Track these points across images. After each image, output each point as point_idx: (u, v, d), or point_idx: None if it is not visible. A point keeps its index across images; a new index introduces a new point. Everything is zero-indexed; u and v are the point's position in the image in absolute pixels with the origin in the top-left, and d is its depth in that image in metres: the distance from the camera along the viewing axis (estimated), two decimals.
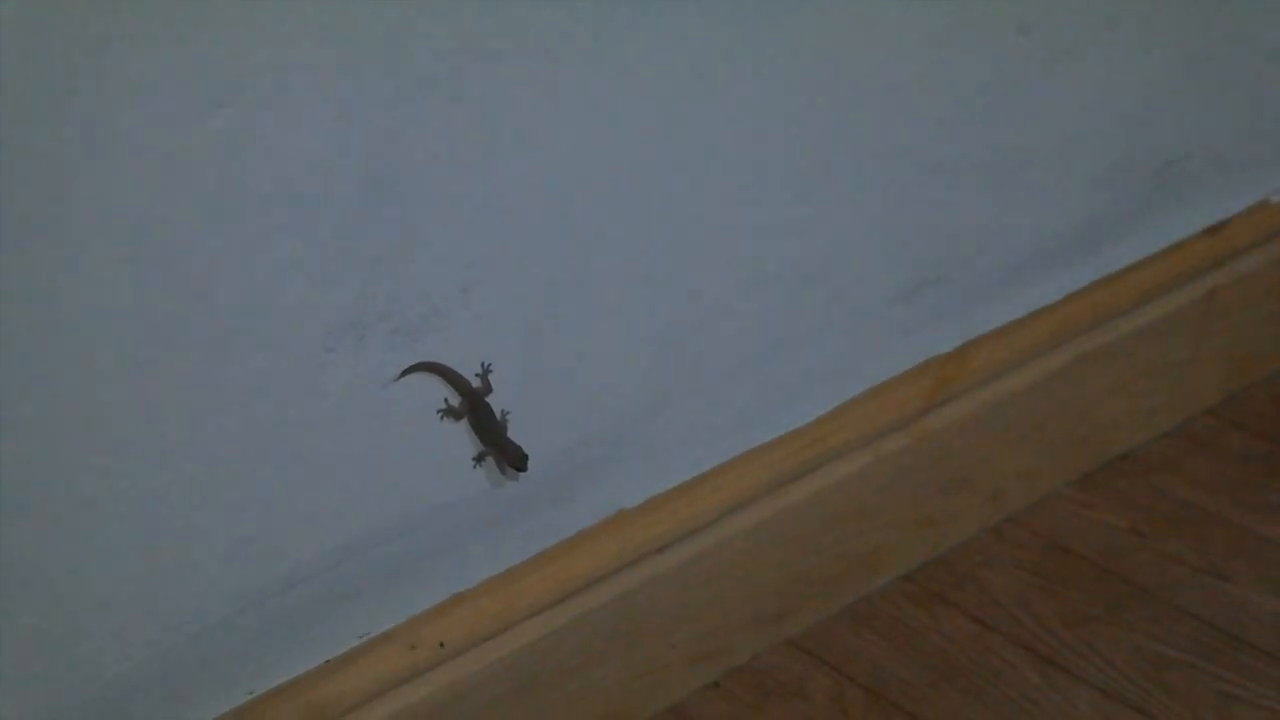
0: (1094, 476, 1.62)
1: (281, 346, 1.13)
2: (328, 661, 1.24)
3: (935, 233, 1.46)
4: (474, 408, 1.22)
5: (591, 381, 1.31)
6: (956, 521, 1.55)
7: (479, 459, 1.24)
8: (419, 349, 1.20)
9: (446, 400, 1.22)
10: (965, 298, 1.50)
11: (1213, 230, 1.65)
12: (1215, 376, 1.70)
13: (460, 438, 1.24)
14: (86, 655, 1.13)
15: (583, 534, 1.35)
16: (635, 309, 1.30)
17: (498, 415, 1.23)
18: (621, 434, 1.34)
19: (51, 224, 1.02)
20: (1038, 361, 1.55)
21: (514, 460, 1.22)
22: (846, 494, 1.46)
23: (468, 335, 1.22)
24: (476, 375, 1.22)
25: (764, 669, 1.45)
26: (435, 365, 1.20)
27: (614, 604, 1.35)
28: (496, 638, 1.30)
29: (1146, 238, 1.61)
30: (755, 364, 1.40)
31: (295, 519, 1.19)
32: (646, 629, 1.38)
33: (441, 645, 1.28)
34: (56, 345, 1.04)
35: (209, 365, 1.11)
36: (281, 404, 1.15)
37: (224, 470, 1.14)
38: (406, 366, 1.19)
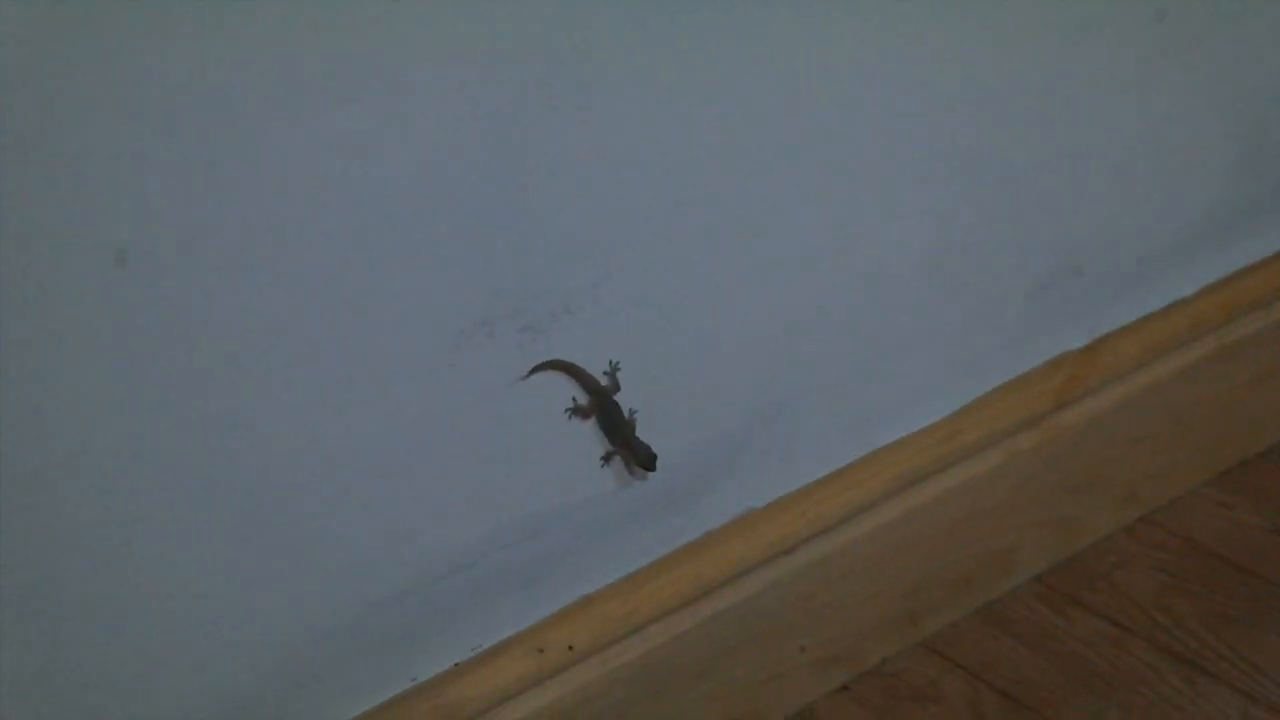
0: (1232, 474, 1.59)
1: (411, 344, 1.12)
2: (456, 665, 1.23)
3: (1066, 225, 1.43)
4: (602, 406, 1.20)
5: (719, 380, 1.29)
6: (1090, 521, 1.52)
7: (607, 458, 1.22)
8: (548, 346, 1.18)
9: (574, 399, 1.20)
10: (1097, 291, 1.47)
11: None
12: None
13: (587, 437, 1.23)
14: (217, 659, 1.12)
15: (710, 535, 1.33)
16: (762, 307, 1.29)
17: (626, 414, 1.21)
18: (749, 433, 1.32)
19: (189, 217, 1.01)
20: (1172, 356, 1.52)
21: (642, 460, 1.20)
22: (977, 493, 1.43)
23: (596, 333, 1.20)
24: (605, 373, 1.21)
25: (895, 672, 1.42)
26: (563, 363, 1.19)
27: (742, 606, 1.33)
28: (624, 640, 1.29)
29: None
30: (883, 361, 1.37)
31: (422, 521, 1.18)
32: (775, 631, 1.36)
33: (570, 648, 1.26)
34: (197, 341, 1.03)
35: (340, 363, 1.10)
36: (409, 402, 1.14)
37: (351, 472, 1.13)
38: (535, 364, 1.17)
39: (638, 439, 1.21)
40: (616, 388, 1.21)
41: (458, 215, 1.10)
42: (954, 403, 1.43)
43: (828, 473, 1.38)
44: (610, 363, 1.21)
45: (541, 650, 1.25)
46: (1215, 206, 1.52)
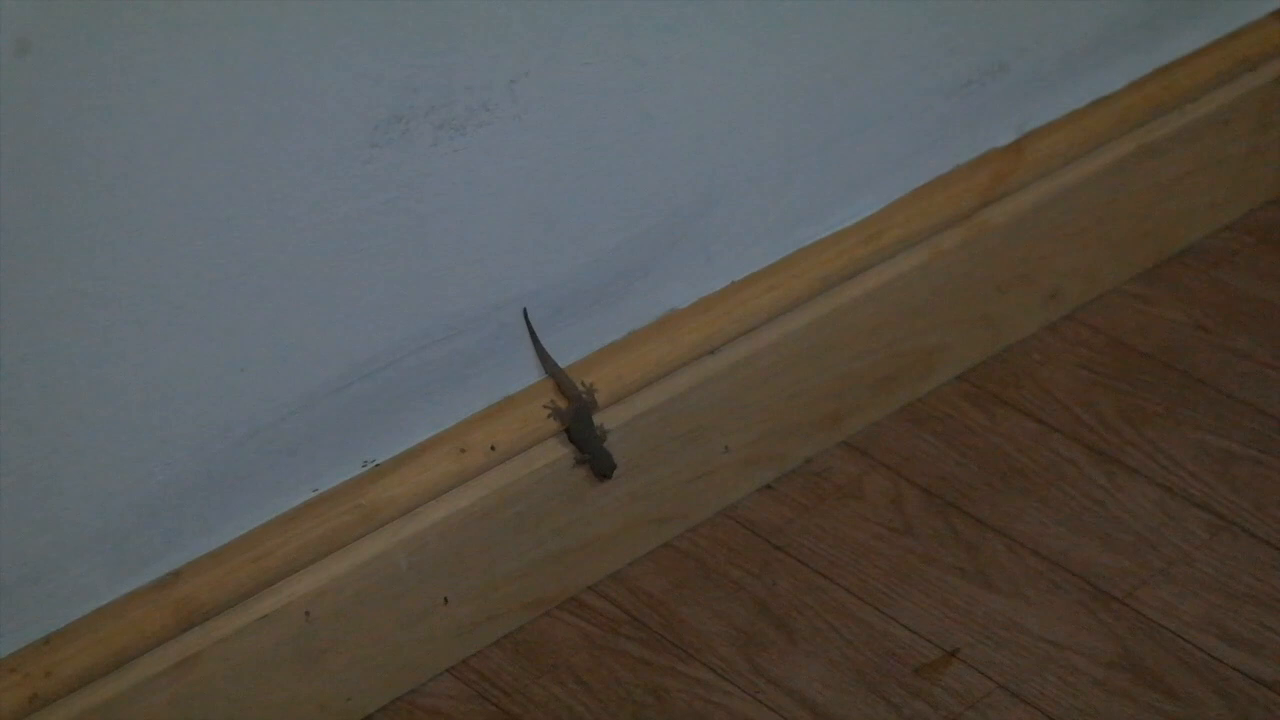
0: (1156, 272, 1.59)
1: (326, 141, 1.10)
2: (378, 466, 1.22)
3: (992, 22, 1.42)
4: (577, 415, 1.27)
5: (640, 180, 1.28)
6: (1014, 319, 1.52)
7: (578, 463, 1.29)
8: (466, 144, 1.16)
9: (554, 401, 1.27)
10: (1023, 89, 1.46)
11: None
12: (1278, 167, 1.65)
13: (507, 233, 1.21)
14: (134, 461, 1.11)
15: (633, 335, 1.32)
16: (685, 106, 1.27)
17: (596, 427, 1.28)
18: (671, 234, 1.31)
19: (94, 6, 0.98)
20: (1098, 153, 1.51)
21: (600, 468, 1.28)
22: (901, 292, 1.43)
23: (515, 131, 1.19)
24: (583, 386, 1.28)
25: (819, 471, 1.43)
26: (555, 369, 1.27)
27: (665, 406, 1.33)
28: (547, 441, 1.28)
29: (1212, 22, 1.55)
30: (807, 160, 1.36)
31: (341, 321, 1.17)
32: (698, 431, 1.36)
33: (492, 449, 1.26)
34: (102, 137, 1.01)
35: (252, 160, 1.08)
36: (325, 200, 1.13)
37: (268, 272, 1.12)
38: (535, 339, 1.26)
39: (604, 449, 1.28)
40: (594, 405, 1.28)
41: (368, 6, 1.08)
42: (878, 201, 1.42)
43: (751, 273, 1.37)
44: (583, 383, 1.28)
45: (463, 450, 1.25)
46: (1140, 2, 1.50)
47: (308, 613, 1.19)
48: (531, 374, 1.28)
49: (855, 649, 1.30)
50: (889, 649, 1.30)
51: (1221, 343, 1.52)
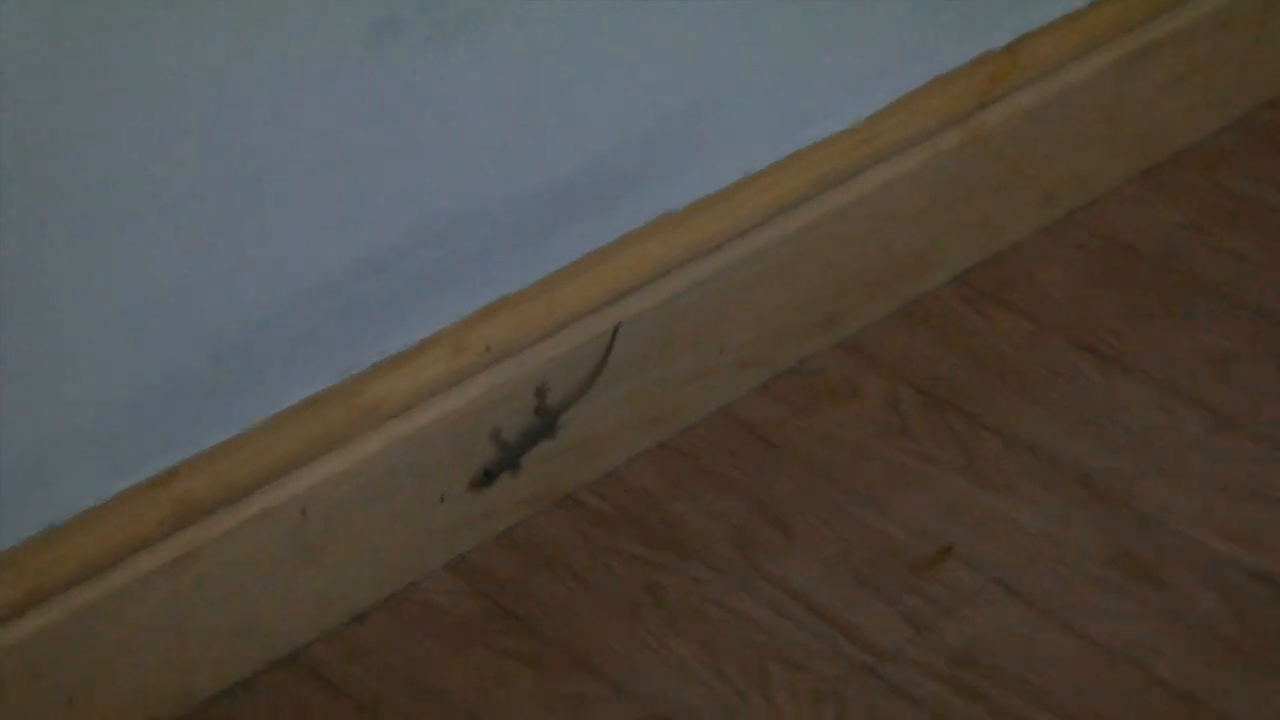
0: (1153, 173, 1.58)
1: (319, 41, 1.11)
2: (373, 365, 1.23)
3: None
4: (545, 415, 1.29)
5: (637, 81, 1.28)
6: (1011, 221, 1.52)
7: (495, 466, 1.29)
8: (460, 47, 1.16)
9: (546, 383, 1.29)
10: None
11: None
12: (1277, 67, 1.65)
13: (505, 136, 1.21)
14: (132, 359, 1.12)
15: (628, 237, 1.33)
16: (683, 6, 1.26)
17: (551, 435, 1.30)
18: (667, 136, 1.31)
19: None
20: (1095, 55, 1.50)
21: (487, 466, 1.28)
22: (897, 194, 1.43)
23: (509, 35, 1.18)
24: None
25: (814, 371, 1.43)
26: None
27: (660, 308, 1.34)
28: (541, 342, 1.29)
29: None
30: (803, 62, 1.36)
31: (337, 222, 1.18)
32: (693, 333, 1.36)
33: (487, 349, 1.26)
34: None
35: (247, 63, 1.08)
36: (320, 102, 1.13)
37: (266, 174, 1.12)
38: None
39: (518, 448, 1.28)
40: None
41: None
42: (875, 103, 1.42)
43: (747, 174, 1.37)
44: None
45: (458, 351, 1.25)
46: None
47: (304, 510, 1.20)
48: (528, 275, 1.28)
49: (851, 546, 1.31)
50: (885, 546, 1.31)
51: (1220, 244, 1.52)
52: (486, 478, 1.27)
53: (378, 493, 1.23)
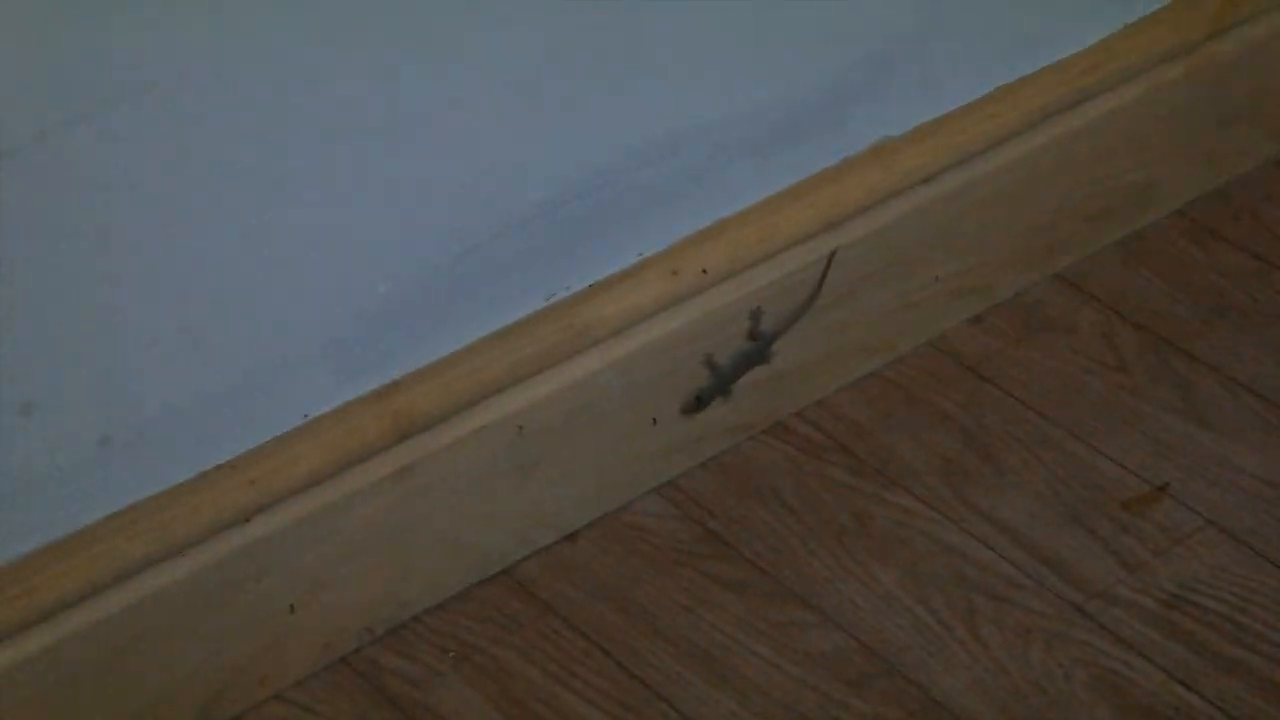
0: None
1: None
2: (590, 286, 1.23)
3: None
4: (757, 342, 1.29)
5: (861, 3, 1.26)
6: (1236, 154, 1.49)
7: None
8: None
9: (760, 306, 1.28)
10: None
11: None
12: None
13: (729, 54, 1.21)
14: (358, 273, 1.13)
15: (848, 162, 1.31)
16: None
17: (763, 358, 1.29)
18: (890, 61, 1.30)
19: None
20: None
21: (701, 392, 1.27)
22: (1121, 124, 1.40)
23: None
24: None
25: (1030, 303, 1.41)
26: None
27: (878, 235, 1.33)
28: (759, 265, 1.28)
29: None
30: None
31: (557, 140, 1.18)
32: (909, 261, 1.35)
33: (704, 271, 1.26)
34: None
35: None
36: (542, 24, 1.12)
37: (485, 93, 1.13)
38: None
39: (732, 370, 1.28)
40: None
41: None
42: (1101, 30, 1.39)
43: (968, 101, 1.35)
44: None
45: (675, 272, 1.25)
46: None
47: (521, 427, 1.21)
48: (745, 197, 1.28)
49: (1062, 482, 1.29)
50: (1097, 482, 1.29)
51: None
52: (698, 403, 1.27)
53: (591, 414, 1.24)
